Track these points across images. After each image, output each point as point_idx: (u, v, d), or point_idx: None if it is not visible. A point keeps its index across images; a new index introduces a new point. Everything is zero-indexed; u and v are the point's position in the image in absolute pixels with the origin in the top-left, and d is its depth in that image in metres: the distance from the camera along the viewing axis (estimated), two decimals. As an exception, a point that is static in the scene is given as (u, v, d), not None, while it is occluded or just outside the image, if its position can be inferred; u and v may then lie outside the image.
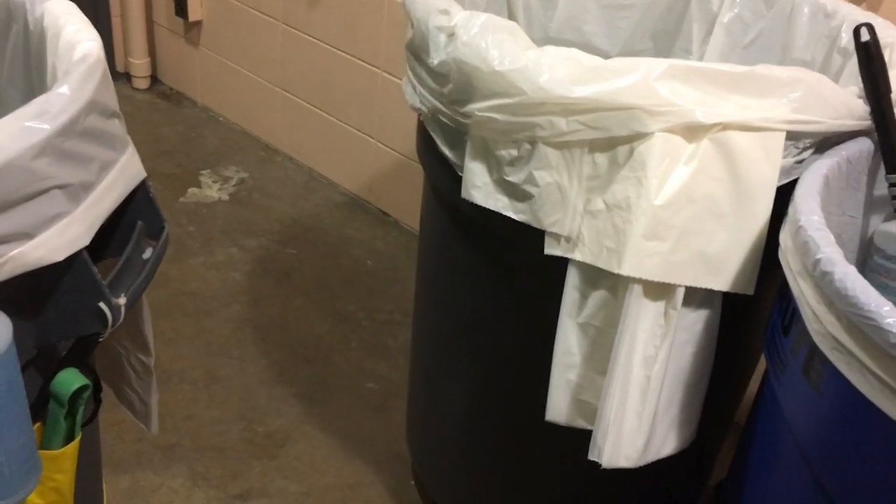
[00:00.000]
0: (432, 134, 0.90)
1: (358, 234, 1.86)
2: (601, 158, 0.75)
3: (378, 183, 1.91)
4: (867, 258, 0.85)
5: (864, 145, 0.78)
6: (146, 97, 2.30)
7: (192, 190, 1.94)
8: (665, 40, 1.17)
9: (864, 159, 0.79)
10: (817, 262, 0.62)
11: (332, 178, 2.00)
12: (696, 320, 0.78)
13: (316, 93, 1.95)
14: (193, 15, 2.11)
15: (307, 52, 1.91)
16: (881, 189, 0.83)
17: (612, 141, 0.74)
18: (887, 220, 0.85)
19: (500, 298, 0.92)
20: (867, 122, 0.78)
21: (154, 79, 2.33)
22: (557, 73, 0.74)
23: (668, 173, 0.73)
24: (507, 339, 0.93)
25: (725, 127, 0.72)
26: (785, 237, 0.71)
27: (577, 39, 1.17)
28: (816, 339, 0.64)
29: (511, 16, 1.13)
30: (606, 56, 1.19)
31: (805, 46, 1.04)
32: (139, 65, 2.27)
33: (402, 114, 1.76)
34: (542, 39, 1.16)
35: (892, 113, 0.76)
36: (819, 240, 0.63)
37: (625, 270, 0.73)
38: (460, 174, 0.86)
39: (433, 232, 1.01)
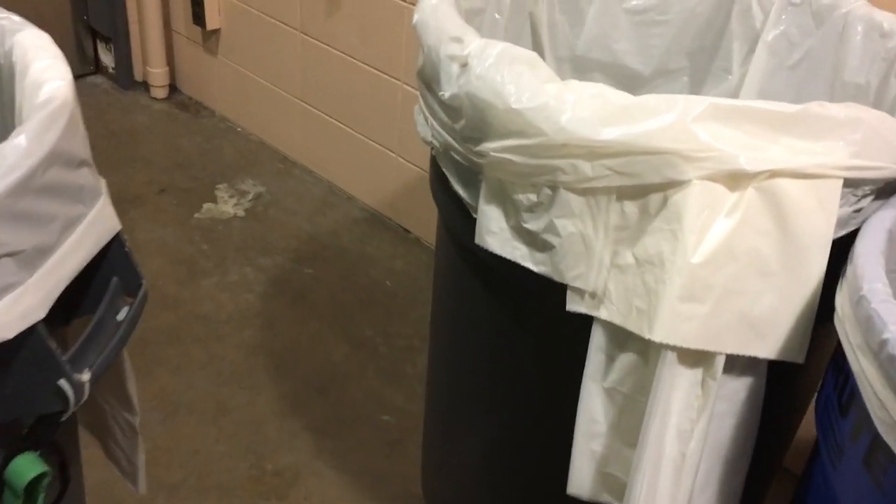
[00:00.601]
0: (445, 171, 0.82)
1: (377, 252, 1.78)
2: (630, 207, 0.67)
3: (399, 198, 1.83)
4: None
5: (933, 192, 0.69)
6: (164, 107, 2.24)
7: (207, 205, 1.88)
8: (702, 59, 1.08)
9: (933, 207, 0.69)
10: (884, 343, 0.53)
11: (351, 192, 1.93)
12: (737, 389, 0.69)
13: (335, 104, 1.88)
14: (211, 23, 2.04)
15: (326, 62, 1.84)
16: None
17: (644, 188, 0.66)
18: (955, 271, 0.76)
19: (519, 352, 0.84)
20: (936, 166, 0.69)
21: (173, 88, 2.27)
22: (582, 111, 0.65)
23: (708, 226, 0.64)
24: (525, 396, 0.85)
25: (774, 174, 0.63)
26: (842, 302, 0.62)
27: (606, 58, 1.08)
28: (881, 430, 0.55)
29: (535, 34, 1.05)
30: (639, 76, 1.11)
31: (858, 69, 0.94)
32: (157, 74, 2.22)
33: (424, 128, 1.68)
34: (569, 59, 1.07)
35: (966, 155, 0.67)
36: (885, 315, 0.54)
37: (656, 336, 0.65)
38: (475, 216, 0.78)
39: (448, 274, 0.93)
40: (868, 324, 0.55)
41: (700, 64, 1.08)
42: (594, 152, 0.66)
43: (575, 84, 0.67)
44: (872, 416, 0.56)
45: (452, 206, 0.82)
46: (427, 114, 0.81)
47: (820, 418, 0.66)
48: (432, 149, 0.84)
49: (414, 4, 1.58)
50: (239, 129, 2.15)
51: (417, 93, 0.84)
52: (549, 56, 1.06)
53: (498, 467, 0.94)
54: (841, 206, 0.66)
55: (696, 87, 1.10)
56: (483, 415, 0.92)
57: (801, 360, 0.67)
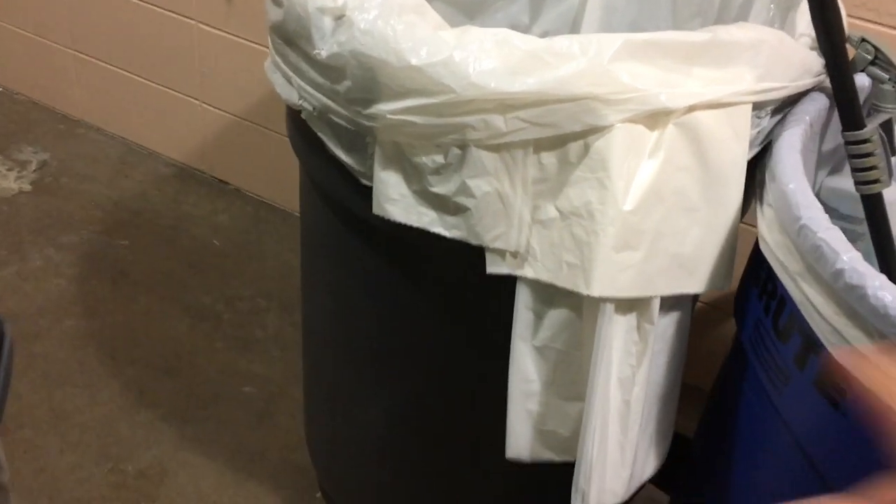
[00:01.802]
0: (320, 134, 0.73)
1: (196, 209, 1.64)
2: (549, 158, 0.63)
3: (210, 148, 1.69)
4: (814, 217, 0.79)
5: (821, 103, 0.70)
6: None
7: (-18, 183, 1.64)
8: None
9: (821, 118, 0.71)
10: (839, 272, 0.53)
11: (152, 147, 1.75)
12: (667, 325, 0.69)
13: (117, 51, 1.67)
14: (-57, -32, 1.74)
15: (97, 4, 1.62)
16: (828, 144, 0.76)
17: (563, 138, 0.62)
18: (832, 174, 0.79)
19: (428, 319, 0.79)
20: (822, 77, 0.70)
21: None
22: (489, 62, 0.60)
23: (634, 171, 0.61)
24: (436, 363, 0.81)
25: (691, 108, 0.61)
26: (769, 229, 0.62)
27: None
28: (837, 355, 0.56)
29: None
30: (479, 1, 1.05)
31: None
32: None
33: (228, 69, 1.54)
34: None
35: (848, 66, 0.68)
36: (835, 244, 0.54)
37: (595, 291, 0.62)
38: (363, 182, 0.71)
39: (328, 242, 0.85)
40: (816, 253, 0.55)
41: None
42: (507, 105, 0.60)
43: (474, 31, 0.61)
44: (823, 341, 0.56)
45: (332, 172, 0.74)
46: (291, 74, 0.72)
47: (752, 343, 0.67)
48: (300, 112, 0.74)
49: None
50: (1, 90, 1.87)
51: (215, 31, 0.74)
52: (385, -13, 0.98)
53: (406, 439, 0.90)
54: (748, 129, 0.65)
55: (535, 7, 1.06)
56: (386, 387, 0.87)
57: (727, 287, 0.68)
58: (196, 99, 1.63)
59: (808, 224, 0.56)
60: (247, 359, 1.36)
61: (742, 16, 0.90)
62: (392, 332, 0.82)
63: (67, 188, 1.65)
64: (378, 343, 0.85)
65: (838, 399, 0.57)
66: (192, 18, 1.53)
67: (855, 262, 0.53)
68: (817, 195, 0.78)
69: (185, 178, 1.70)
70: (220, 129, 1.64)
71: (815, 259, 0.55)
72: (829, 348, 0.56)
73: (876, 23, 1.04)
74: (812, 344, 0.58)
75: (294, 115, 0.78)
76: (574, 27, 1.05)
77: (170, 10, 1.55)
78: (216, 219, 1.62)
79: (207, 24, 1.52)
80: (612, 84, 0.59)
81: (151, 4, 1.56)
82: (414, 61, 0.60)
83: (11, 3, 1.73)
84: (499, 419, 0.73)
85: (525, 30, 1.07)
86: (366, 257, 0.79)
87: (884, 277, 0.52)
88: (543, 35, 1.06)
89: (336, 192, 0.77)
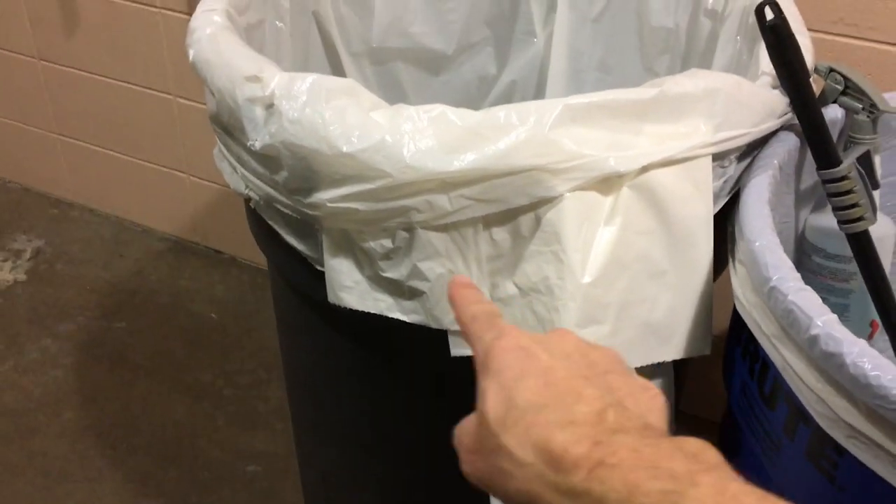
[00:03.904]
0: (271, 223, 0.70)
1: (192, 283, 1.62)
2: (500, 234, 0.59)
3: (201, 219, 1.67)
4: (802, 257, 0.75)
5: (790, 144, 0.66)
6: None
7: (-23, 277, 1.63)
8: (504, 26, 1.01)
9: (792, 158, 0.67)
10: (814, 339, 0.49)
11: (145, 223, 1.74)
12: (649, 395, 0.64)
13: (102, 132, 1.67)
14: (-74, 66, 1.75)
15: (78, 87, 1.62)
16: (806, 182, 0.72)
17: (511, 212, 0.58)
18: (815, 211, 0.74)
19: (405, 403, 0.75)
20: (788, 116, 0.66)
21: None
22: (425, 141, 0.56)
23: (590, 241, 0.58)
24: (426, 450, 0.77)
25: (645, 169, 0.58)
26: (743, 288, 0.58)
27: (405, 45, 0.98)
28: (823, 425, 0.51)
29: (323, 34, 0.93)
30: (442, 56, 1.02)
31: (664, 12, 0.91)
32: None
33: (210, 140, 1.52)
34: (366, 53, 0.97)
35: (815, 102, 0.64)
36: (807, 308, 0.50)
37: (562, 371, 0.58)
38: (318, 268, 0.67)
39: (298, 328, 0.82)
40: (789, 317, 0.51)
41: (502, 32, 1.01)
42: (448, 184, 0.57)
43: (408, 111, 0.58)
44: (809, 410, 0.52)
45: (289, 259, 0.71)
46: (235, 163, 0.69)
47: (739, 406, 0.62)
48: (248, 200, 0.72)
49: (169, 10, 1.41)
50: (-7, 180, 1.88)
51: (194, 104, 0.72)
52: (343, 54, 0.96)
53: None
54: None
55: (501, 56, 1.03)
56: (375, 473, 0.83)
57: (707, 351, 0.63)
58: (182, 172, 1.62)
59: (778, 286, 0.52)
60: (250, 435, 1.33)
61: (709, 50, 0.86)
62: (373, 417, 0.79)
63: (63, 274, 1.63)
64: (361, 429, 0.81)
65: (833, 472, 0.52)
66: (170, 94, 1.52)
67: (830, 328, 0.48)
68: (802, 235, 0.74)
69: (179, 251, 1.69)
70: (208, 200, 1.63)
71: (788, 324, 0.51)
72: (816, 418, 0.51)
73: (856, 38, 1.00)
74: (798, 411, 0.54)
75: (250, 207, 0.75)
76: (542, 73, 1.02)
77: (148, 88, 1.54)
78: (213, 291, 1.60)
79: (186, 98, 1.51)
80: (556, 152, 0.56)
81: (130, 83, 1.55)
82: (345, 148, 0.57)
83: (-4, 93, 1.74)
84: None
85: (493, 80, 1.04)
86: (335, 342, 0.76)
87: (863, 343, 0.47)
88: (511, 84, 1.04)
89: (296, 278, 0.74)
